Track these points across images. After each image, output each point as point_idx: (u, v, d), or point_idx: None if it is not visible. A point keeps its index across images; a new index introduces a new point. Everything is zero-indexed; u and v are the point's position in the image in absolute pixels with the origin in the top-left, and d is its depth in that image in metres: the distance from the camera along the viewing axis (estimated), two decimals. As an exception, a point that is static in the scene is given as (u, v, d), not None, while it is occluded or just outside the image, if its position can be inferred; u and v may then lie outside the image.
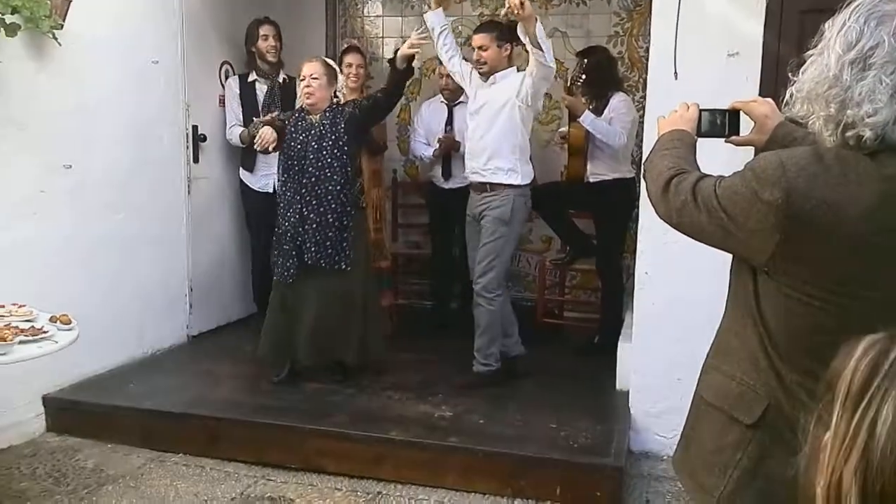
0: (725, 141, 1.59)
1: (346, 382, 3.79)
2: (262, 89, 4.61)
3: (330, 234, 3.59)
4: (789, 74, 1.27)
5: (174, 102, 4.33)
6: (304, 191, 3.59)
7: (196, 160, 4.53)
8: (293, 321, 3.68)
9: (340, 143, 3.59)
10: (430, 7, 3.84)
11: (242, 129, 4.55)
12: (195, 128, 4.50)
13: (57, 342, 2.52)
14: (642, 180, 1.52)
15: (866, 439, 0.70)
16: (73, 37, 3.49)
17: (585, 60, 4.29)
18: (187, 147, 4.46)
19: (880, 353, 0.74)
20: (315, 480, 3.15)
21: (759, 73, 3.08)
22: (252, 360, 4.00)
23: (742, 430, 1.32)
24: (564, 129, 4.53)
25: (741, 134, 1.59)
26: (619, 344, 3.71)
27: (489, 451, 3.09)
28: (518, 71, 3.78)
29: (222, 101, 4.70)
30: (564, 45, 5.19)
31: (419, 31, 3.70)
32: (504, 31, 3.75)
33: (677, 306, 3.26)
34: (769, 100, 1.58)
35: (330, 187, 3.58)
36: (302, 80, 3.65)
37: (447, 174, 4.71)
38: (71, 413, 3.54)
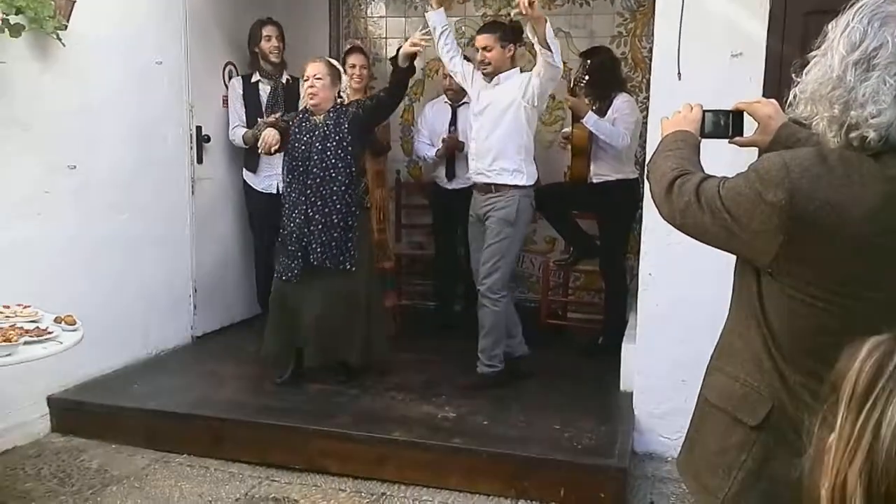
0: (729, 142, 1.59)
1: (350, 383, 3.79)
2: (265, 90, 4.61)
3: (335, 234, 3.59)
4: (793, 75, 1.27)
5: (178, 103, 4.34)
6: (308, 192, 3.59)
7: (200, 161, 4.53)
8: (296, 321, 3.69)
9: (344, 143, 3.59)
10: (431, 7, 3.83)
11: (245, 129, 4.56)
12: (199, 128, 4.51)
13: (62, 343, 2.53)
14: (646, 181, 1.52)
15: (871, 441, 0.70)
16: (77, 37, 3.50)
17: (589, 61, 4.29)
18: (191, 148, 4.46)
19: (885, 355, 0.74)
20: (319, 481, 3.16)
21: (763, 73, 3.08)
22: (256, 361, 4.01)
23: (746, 431, 1.32)
24: (568, 129, 4.53)
25: (745, 135, 1.59)
26: (623, 345, 3.71)
27: (493, 452, 3.09)
28: (521, 72, 3.78)
29: (226, 102, 4.70)
30: (567, 45, 5.18)
31: (422, 32, 3.71)
32: (507, 32, 3.76)
33: (681, 307, 3.26)
34: (773, 100, 1.58)
35: (334, 188, 3.58)
36: (305, 80, 3.66)
37: (451, 175, 4.71)
38: (75, 413, 3.55)
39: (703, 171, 1.40)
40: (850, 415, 0.73)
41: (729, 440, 1.35)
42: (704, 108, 1.57)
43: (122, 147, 3.93)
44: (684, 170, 1.38)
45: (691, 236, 1.36)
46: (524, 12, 3.25)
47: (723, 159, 1.66)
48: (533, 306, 5.05)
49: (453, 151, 4.63)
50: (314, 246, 3.59)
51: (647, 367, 3.41)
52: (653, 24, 3.43)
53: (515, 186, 3.68)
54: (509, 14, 5.28)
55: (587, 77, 4.26)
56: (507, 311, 3.78)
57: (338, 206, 3.59)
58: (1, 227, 3.27)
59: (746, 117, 1.58)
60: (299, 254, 3.62)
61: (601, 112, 4.22)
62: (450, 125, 4.73)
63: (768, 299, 1.28)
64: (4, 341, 2.38)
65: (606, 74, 4.31)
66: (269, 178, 4.59)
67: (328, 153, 3.58)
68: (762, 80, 3.08)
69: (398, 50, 3.63)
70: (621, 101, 4.23)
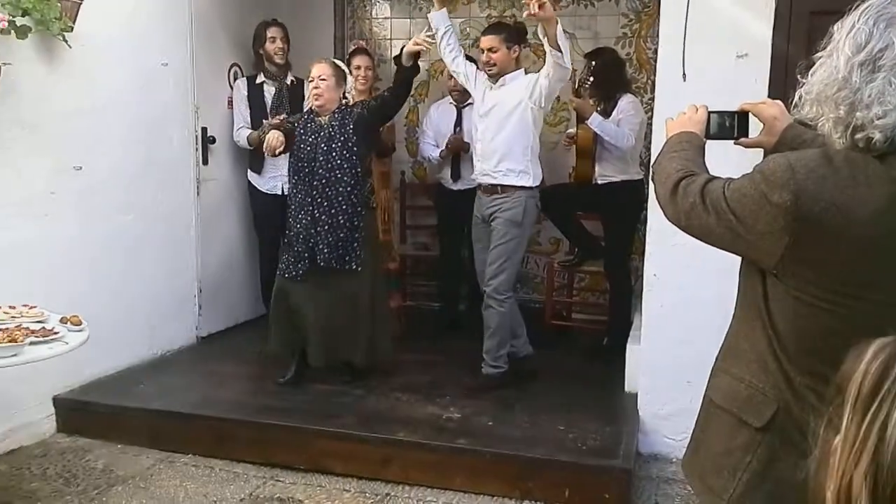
0: (734, 143, 1.59)
1: (354, 383, 3.79)
2: (269, 91, 4.62)
3: (341, 235, 3.60)
4: (798, 76, 1.27)
5: (183, 104, 4.35)
6: (314, 193, 3.60)
7: (205, 162, 4.54)
8: (299, 320, 3.69)
9: (350, 144, 3.59)
10: (433, 7, 3.83)
11: (250, 131, 4.57)
12: (204, 129, 4.52)
13: (67, 343, 2.53)
14: (650, 182, 1.52)
15: (877, 443, 0.70)
16: (83, 39, 3.52)
17: (593, 62, 4.29)
18: (196, 149, 4.47)
19: (890, 357, 0.74)
20: (323, 481, 3.16)
21: (768, 74, 3.07)
22: (261, 362, 4.02)
23: (751, 432, 1.32)
24: (572, 130, 4.53)
25: (750, 136, 1.58)
26: (628, 346, 3.71)
27: (497, 453, 3.09)
28: (526, 73, 3.77)
29: (231, 103, 4.71)
30: (572, 46, 5.15)
31: (427, 33, 3.71)
32: (512, 33, 3.76)
33: (686, 308, 3.25)
34: (778, 101, 1.57)
35: (340, 188, 3.58)
36: (310, 81, 3.67)
37: (456, 175, 4.71)
38: (81, 414, 3.56)
39: (708, 172, 1.40)
40: (856, 417, 0.73)
41: (734, 441, 1.35)
42: (709, 110, 1.57)
43: (128, 148, 3.95)
44: (689, 171, 1.38)
45: (696, 237, 1.36)
46: (534, 14, 3.23)
47: (728, 160, 1.65)
48: (537, 307, 5.04)
49: (458, 152, 4.63)
50: (321, 247, 3.60)
51: (651, 368, 3.41)
52: (658, 25, 3.43)
53: (522, 188, 3.68)
54: (514, 15, 5.31)
55: (592, 78, 4.26)
56: (511, 311, 3.78)
57: (343, 207, 3.59)
58: (7, 227, 3.28)
59: (752, 118, 1.58)
60: (306, 254, 3.62)
61: (606, 113, 4.22)
62: (455, 126, 4.73)
63: (773, 301, 1.28)
64: (10, 342, 2.39)
65: (611, 75, 4.31)
66: (274, 179, 4.60)
67: (333, 154, 3.58)
68: (767, 81, 3.07)
69: (402, 49, 3.63)
70: (626, 102, 4.23)
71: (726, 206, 1.26)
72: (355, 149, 3.61)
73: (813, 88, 1.23)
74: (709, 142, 1.54)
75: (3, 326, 2.53)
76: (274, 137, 3.57)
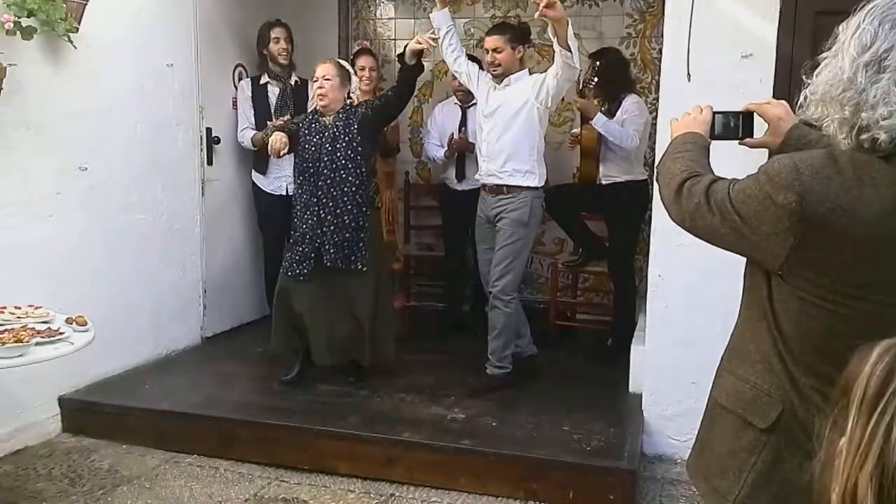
0: (739, 143, 1.59)
1: (359, 384, 3.80)
2: (273, 92, 4.63)
3: (347, 235, 3.60)
4: (803, 77, 1.27)
5: (188, 105, 4.36)
6: (319, 193, 3.60)
7: (210, 162, 4.55)
8: (303, 319, 3.69)
9: (354, 144, 3.59)
10: (436, 7, 3.82)
11: (254, 131, 4.58)
12: (209, 130, 4.53)
13: (73, 343, 2.54)
14: (655, 183, 1.52)
15: (882, 444, 0.70)
16: (88, 40, 3.53)
17: (598, 62, 4.28)
18: (201, 149, 4.48)
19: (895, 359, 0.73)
20: (328, 482, 3.16)
21: (773, 74, 3.07)
22: (266, 362, 4.02)
23: (756, 433, 1.32)
24: (576, 130, 4.53)
25: (755, 136, 1.58)
26: (632, 346, 3.70)
27: (502, 454, 3.09)
28: (530, 73, 3.77)
29: (235, 104, 4.72)
30: (577, 46, 5.17)
31: (431, 33, 3.70)
32: (516, 33, 3.75)
33: (690, 309, 3.25)
34: (783, 102, 1.57)
35: (345, 188, 3.59)
36: (315, 81, 3.67)
37: (461, 176, 4.71)
38: (86, 414, 3.57)
39: (712, 173, 1.40)
40: (861, 419, 0.73)
41: (739, 442, 1.35)
42: (714, 110, 1.56)
43: (133, 149, 3.96)
44: (694, 172, 1.38)
45: (701, 238, 1.36)
46: (545, 14, 3.22)
47: (733, 161, 1.65)
48: (541, 307, 5.04)
49: (463, 152, 4.63)
50: (327, 247, 3.60)
51: (656, 369, 3.41)
52: (662, 26, 3.43)
53: (528, 188, 3.68)
54: (518, 16, 5.31)
55: (596, 78, 4.25)
56: (516, 311, 3.78)
57: (349, 207, 3.59)
58: (13, 227, 3.29)
59: (757, 118, 1.57)
60: (311, 254, 3.63)
61: (610, 113, 4.21)
62: (459, 126, 4.73)
63: (778, 301, 1.27)
64: (16, 342, 2.40)
65: (615, 76, 4.31)
66: (279, 179, 4.61)
67: (338, 154, 3.58)
68: (772, 81, 3.07)
69: (405, 47, 3.63)
70: (630, 103, 4.22)
71: (731, 206, 1.26)
72: (360, 149, 3.61)
73: (818, 89, 1.23)
74: (714, 142, 1.53)
75: (9, 327, 2.55)
76: (277, 139, 3.57)
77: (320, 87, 3.62)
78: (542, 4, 3.17)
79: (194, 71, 4.38)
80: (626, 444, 3.15)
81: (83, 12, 3.44)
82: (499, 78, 3.72)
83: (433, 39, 3.65)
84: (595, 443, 3.17)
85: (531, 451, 3.10)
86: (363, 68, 4.43)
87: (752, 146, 1.59)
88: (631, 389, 3.65)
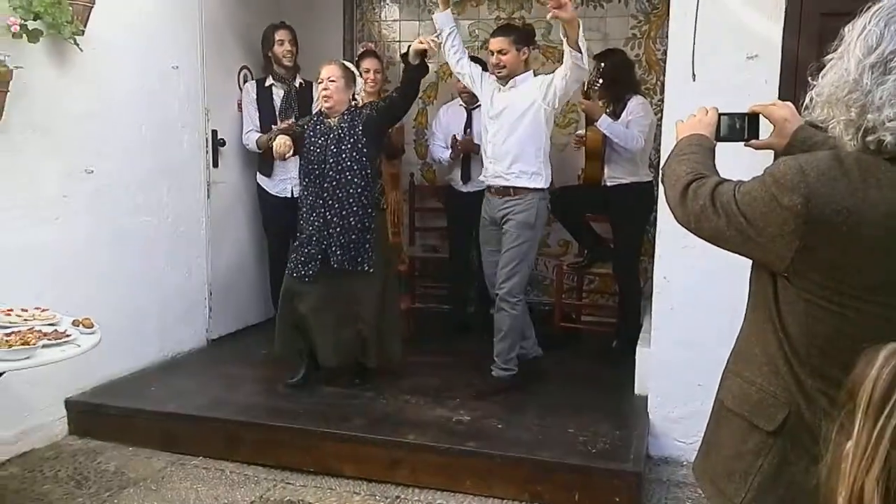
0: (745, 145, 1.59)
1: (364, 386, 3.80)
2: (278, 94, 4.64)
3: (353, 236, 3.60)
4: (809, 78, 1.26)
5: (194, 107, 4.37)
6: (325, 195, 3.60)
7: (215, 164, 4.57)
8: (307, 323, 3.69)
9: (359, 145, 3.60)
10: (437, 8, 3.82)
11: (259, 134, 4.59)
12: (214, 132, 4.54)
13: (80, 346, 2.54)
14: (660, 184, 1.52)
15: (888, 448, 0.70)
16: (94, 43, 3.54)
17: (602, 64, 4.28)
18: (207, 151, 4.50)
19: (902, 362, 0.73)
20: (333, 484, 3.16)
21: (779, 75, 3.06)
22: (271, 364, 4.03)
23: (762, 436, 1.32)
24: (581, 131, 4.53)
25: (760, 138, 1.58)
26: (638, 348, 3.70)
27: (507, 456, 3.09)
28: (535, 75, 3.77)
29: (241, 106, 4.73)
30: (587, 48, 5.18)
31: (436, 36, 3.70)
32: (521, 35, 3.75)
33: (696, 311, 3.24)
34: (789, 103, 1.57)
35: (351, 190, 3.59)
36: (320, 83, 3.67)
37: (466, 177, 4.70)
38: (93, 416, 3.58)
39: (718, 174, 1.40)
40: (867, 422, 0.72)
41: (745, 445, 1.34)
42: (720, 112, 1.56)
43: (139, 151, 3.97)
44: (699, 174, 1.38)
45: (706, 240, 1.36)
46: (557, 15, 3.21)
47: (739, 163, 1.65)
48: (547, 309, 5.04)
49: (468, 154, 4.63)
50: (334, 248, 3.60)
51: (661, 371, 3.40)
52: (667, 27, 3.42)
53: (534, 189, 3.67)
54: (522, 17, 5.31)
55: (601, 80, 4.25)
56: (522, 313, 3.78)
57: (355, 209, 3.60)
58: (19, 230, 3.30)
59: (762, 120, 1.57)
60: (318, 256, 3.63)
61: (615, 115, 4.21)
62: (465, 128, 4.73)
63: (784, 303, 1.27)
64: (23, 344, 2.40)
65: (620, 77, 4.30)
66: (284, 181, 4.62)
67: (343, 155, 3.59)
68: (777, 83, 3.06)
69: (409, 47, 3.63)
70: (635, 104, 4.22)
71: (737, 208, 1.26)
72: (365, 150, 3.61)
73: (824, 90, 1.22)
74: (719, 144, 1.53)
75: (16, 329, 2.55)
76: (281, 143, 3.57)
77: (325, 89, 3.63)
78: (553, 5, 3.16)
79: (200, 73, 4.39)
80: (632, 446, 3.15)
81: (89, 15, 3.46)
82: (504, 80, 3.71)
83: (436, 41, 3.64)
84: (600, 445, 3.16)
85: (536, 454, 3.09)
86: (368, 70, 4.43)
87: (757, 148, 1.59)
88: (636, 391, 3.64)
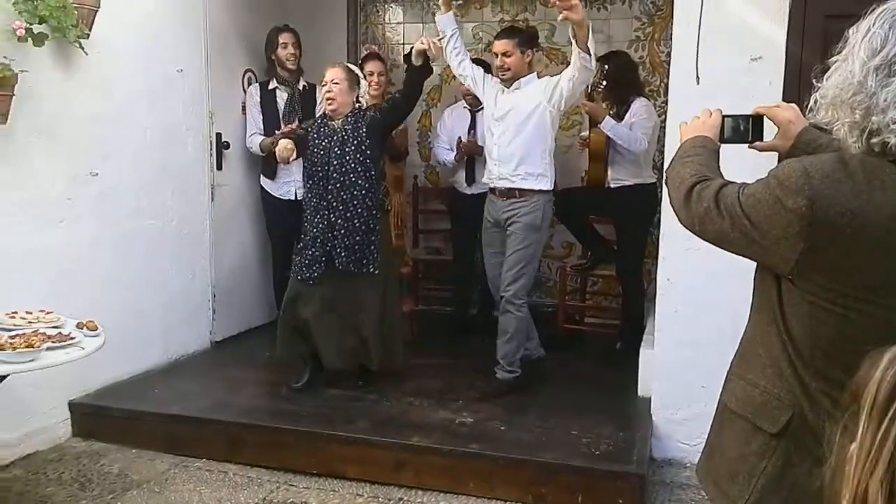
0: (749, 147, 1.58)
1: (368, 388, 3.80)
2: (282, 97, 4.64)
3: (358, 238, 3.61)
4: (813, 80, 1.26)
5: (198, 110, 4.38)
6: (329, 197, 3.61)
7: (219, 167, 4.58)
8: (310, 327, 3.70)
9: (363, 147, 3.60)
10: (439, 10, 3.81)
11: (263, 137, 4.59)
12: (219, 135, 4.55)
13: (84, 348, 2.55)
14: (664, 186, 1.52)
15: (892, 450, 0.70)
16: (99, 46, 3.55)
17: (606, 65, 4.28)
18: (211, 154, 4.51)
19: (906, 364, 0.73)
20: (336, 486, 3.16)
21: (783, 77, 3.06)
22: (275, 366, 4.03)
23: (766, 438, 1.31)
24: (585, 133, 4.53)
25: (765, 140, 1.58)
26: (641, 350, 3.69)
27: (510, 458, 3.08)
28: (538, 76, 3.77)
29: (245, 109, 4.74)
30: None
31: (439, 39, 3.70)
32: (525, 37, 3.75)
33: (700, 312, 3.24)
34: (793, 105, 1.57)
35: (355, 192, 3.59)
36: (323, 85, 3.68)
37: (470, 179, 4.70)
38: (96, 418, 3.58)
39: (722, 177, 1.40)
40: (871, 424, 0.72)
41: (749, 447, 1.34)
42: (724, 113, 1.56)
43: (143, 154, 3.98)
44: (703, 176, 1.38)
45: (710, 242, 1.35)
46: (567, 18, 3.21)
47: (744, 165, 1.65)
48: (550, 311, 5.04)
49: (472, 155, 4.63)
50: (339, 250, 3.60)
51: (665, 373, 3.40)
52: (671, 29, 3.43)
53: (540, 191, 3.67)
54: (526, 19, 5.32)
55: (605, 81, 4.25)
56: (526, 315, 3.78)
57: (359, 210, 3.60)
58: (24, 233, 3.31)
59: (766, 122, 1.57)
60: (322, 258, 3.63)
61: (619, 116, 4.21)
62: (469, 130, 4.74)
63: (789, 306, 1.27)
64: (27, 347, 2.41)
65: (624, 79, 4.31)
66: (287, 184, 4.62)
67: (347, 157, 3.59)
68: (782, 84, 3.06)
69: (412, 48, 3.62)
70: (639, 106, 4.22)
71: (741, 211, 1.26)
72: (369, 152, 3.61)
73: (828, 93, 1.22)
74: (723, 146, 1.53)
75: (20, 332, 2.56)
76: (283, 148, 3.55)
77: (328, 91, 3.63)
78: (563, 6, 3.16)
79: (204, 77, 4.40)
80: (635, 448, 3.14)
81: (94, 19, 3.47)
82: (508, 82, 3.71)
83: (437, 45, 3.63)
84: (604, 447, 3.16)
85: (540, 455, 3.09)
86: (371, 73, 4.43)
87: (761, 150, 1.59)
88: (640, 393, 3.64)
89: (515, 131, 3.66)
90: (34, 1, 3.12)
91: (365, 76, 4.18)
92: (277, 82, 4.65)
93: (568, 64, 3.58)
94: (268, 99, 4.64)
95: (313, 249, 3.64)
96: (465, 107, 4.82)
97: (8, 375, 2.43)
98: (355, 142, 3.60)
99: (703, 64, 3.15)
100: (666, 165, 1.56)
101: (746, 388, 1.36)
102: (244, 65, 4.81)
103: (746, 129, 1.56)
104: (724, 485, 1.39)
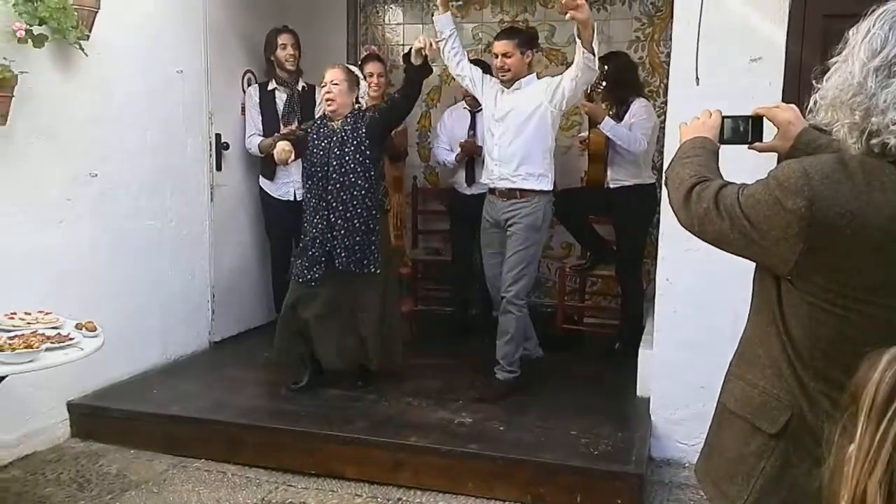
0: (748, 147, 1.59)
1: (366, 388, 3.80)
2: (281, 98, 4.64)
3: (357, 238, 3.60)
4: (813, 81, 1.26)
5: (198, 111, 4.38)
6: (329, 197, 3.60)
7: (219, 168, 4.57)
8: (309, 329, 3.69)
9: (363, 148, 3.60)
10: (437, 10, 3.81)
11: (261, 137, 4.59)
12: (218, 136, 4.55)
13: (83, 349, 2.55)
14: (663, 187, 1.52)
15: (891, 452, 0.70)
16: (99, 47, 3.55)
17: (606, 66, 4.28)
18: (210, 155, 4.50)
19: (905, 365, 0.73)
20: (335, 486, 3.16)
21: (782, 78, 3.06)
22: (274, 366, 4.03)
23: (765, 438, 1.32)
24: (584, 133, 4.53)
25: (764, 140, 1.58)
26: (640, 350, 3.69)
27: (509, 458, 3.08)
28: (538, 77, 3.77)
29: (244, 110, 4.74)
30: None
31: (438, 41, 3.69)
32: (525, 38, 3.75)
33: (699, 313, 3.24)
34: (792, 105, 1.57)
35: (355, 192, 3.59)
36: (323, 86, 3.68)
37: (471, 180, 4.70)
38: (95, 419, 3.58)
39: (722, 177, 1.40)
40: (870, 425, 0.72)
41: (748, 447, 1.34)
42: (723, 114, 1.56)
43: (143, 155, 3.98)
44: (703, 176, 1.38)
45: (710, 243, 1.36)
46: (574, 17, 3.21)
47: (743, 166, 1.65)
48: (549, 311, 5.04)
49: (472, 155, 4.63)
50: (339, 251, 3.60)
51: (664, 373, 3.40)
52: (670, 29, 3.43)
53: (541, 192, 3.67)
54: (526, 20, 5.32)
55: (604, 82, 4.25)
56: (526, 315, 3.78)
57: (359, 211, 3.60)
58: (24, 234, 3.31)
59: (766, 122, 1.57)
60: (322, 259, 3.63)
61: (618, 117, 4.21)
62: (469, 130, 4.74)
63: (788, 306, 1.27)
64: (26, 348, 2.41)
65: (624, 79, 4.31)
66: (286, 185, 4.62)
67: (347, 158, 3.59)
68: (781, 85, 3.06)
69: (411, 48, 3.62)
70: (638, 106, 4.22)
71: (740, 211, 1.26)
72: (368, 153, 3.61)
73: (828, 94, 1.22)
74: (723, 147, 1.53)
75: (19, 332, 2.56)
76: (281, 150, 3.54)
77: (328, 92, 3.63)
78: (570, 6, 3.16)
79: (204, 77, 4.40)
80: (634, 448, 3.14)
81: (94, 20, 3.46)
82: (508, 83, 3.71)
83: (434, 48, 3.62)
84: (603, 447, 3.16)
85: (538, 456, 3.09)
86: (371, 74, 4.43)
87: (761, 150, 1.59)
88: (639, 393, 3.64)
89: (516, 132, 3.66)
90: (34, 2, 3.12)
91: (365, 77, 4.18)
92: (276, 83, 4.64)
93: (567, 65, 3.58)
94: (267, 100, 4.64)
95: (313, 250, 3.64)
96: (464, 107, 4.82)
97: (7, 376, 2.43)
98: (355, 142, 3.60)
99: (702, 64, 3.15)
100: (665, 166, 1.56)
101: (745, 389, 1.36)
102: (244, 66, 4.81)
103: (746, 129, 1.56)
104: (722, 485, 1.39)
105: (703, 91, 3.11)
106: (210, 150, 4.49)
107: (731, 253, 1.33)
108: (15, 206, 3.27)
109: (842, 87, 1.19)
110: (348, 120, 3.64)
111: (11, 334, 2.52)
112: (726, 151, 1.52)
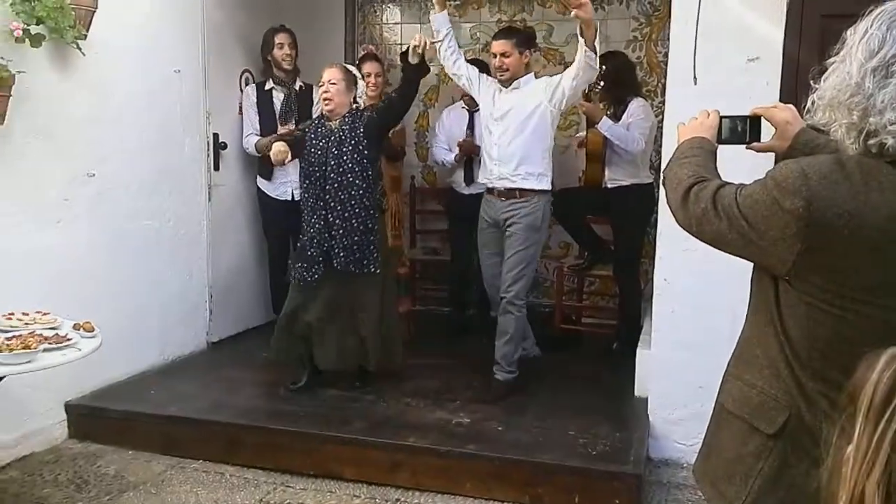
0: (746, 147, 1.59)
1: (365, 389, 3.79)
2: (278, 97, 4.64)
3: (356, 238, 3.60)
4: (811, 82, 1.27)
5: (195, 111, 4.37)
6: (327, 197, 3.60)
7: (216, 168, 4.57)
8: (311, 328, 3.69)
9: (360, 147, 3.59)
10: (434, 9, 3.81)
11: (259, 137, 4.59)
12: (216, 136, 4.54)
13: (80, 350, 2.55)
14: (661, 187, 1.52)
15: (889, 453, 0.70)
16: (96, 47, 3.54)
17: (604, 66, 4.28)
18: (208, 155, 4.50)
19: (903, 366, 0.73)
20: (333, 487, 3.16)
21: (780, 78, 3.06)
22: (272, 367, 4.02)
23: (763, 439, 1.32)
24: (582, 133, 4.53)
25: (762, 140, 1.58)
26: (638, 350, 3.70)
27: (507, 459, 3.08)
28: (536, 77, 3.77)
29: (241, 110, 4.73)
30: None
31: (434, 41, 3.69)
32: (523, 38, 3.75)
33: (697, 313, 3.24)
34: (790, 105, 1.57)
35: (353, 192, 3.59)
36: (320, 86, 3.67)
37: (469, 179, 4.69)
38: (93, 419, 3.57)
39: (719, 177, 1.40)
40: (868, 426, 0.72)
41: (746, 448, 1.34)
42: (721, 114, 1.56)
43: (141, 155, 3.97)
44: (701, 177, 1.38)
45: (708, 243, 1.36)
46: (578, 16, 3.21)
47: (741, 166, 1.65)
48: (547, 311, 5.04)
49: (471, 155, 4.63)
50: (337, 251, 3.60)
51: (662, 373, 3.40)
52: (668, 29, 3.42)
53: (540, 191, 3.67)
54: (524, 20, 5.32)
55: (602, 82, 4.25)
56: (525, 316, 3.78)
57: (357, 210, 3.60)
58: (21, 234, 3.30)
59: (764, 123, 1.57)
60: (320, 258, 3.63)
61: (616, 117, 4.22)
62: (467, 129, 4.73)
63: (786, 307, 1.27)
64: (24, 348, 2.40)
65: (621, 79, 4.31)
66: (284, 185, 4.62)
67: (344, 158, 3.58)
68: (779, 85, 3.06)
69: (408, 47, 3.61)
70: (636, 106, 4.22)
71: (738, 212, 1.26)
72: (366, 152, 3.61)
73: (826, 94, 1.22)
74: (721, 147, 1.53)
75: (17, 333, 2.55)
76: (277, 151, 3.53)
77: (326, 92, 3.63)
78: (574, 4, 3.16)
79: (201, 77, 4.39)
80: (632, 448, 3.15)
81: (91, 20, 3.46)
82: (506, 82, 3.71)
83: (433, 43, 3.62)
84: (601, 447, 3.16)
85: (536, 456, 3.09)
86: (369, 74, 4.42)
87: (759, 150, 1.59)
88: (637, 393, 3.64)
89: (516, 131, 3.65)
90: (31, 2, 3.11)
91: (362, 77, 4.18)
92: (274, 83, 4.64)
93: (565, 65, 3.58)
94: (264, 99, 4.64)
95: (311, 250, 3.64)
96: (463, 107, 4.82)
97: (4, 377, 2.42)
98: (352, 142, 3.59)
99: (700, 64, 3.15)
100: (663, 166, 1.56)
101: (743, 389, 1.36)
102: (241, 65, 4.81)
103: (744, 129, 1.56)
104: (720, 485, 1.39)
105: (701, 91, 3.11)
106: (208, 149, 4.49)
107: (729, 253, 1.33)
108: (13, 206, 3.27)
109: (839, 87, 1.19)
110: (346, 120, 3.64)
111: (9, 335, 2.52)
112: (724, 151, 1.52)
